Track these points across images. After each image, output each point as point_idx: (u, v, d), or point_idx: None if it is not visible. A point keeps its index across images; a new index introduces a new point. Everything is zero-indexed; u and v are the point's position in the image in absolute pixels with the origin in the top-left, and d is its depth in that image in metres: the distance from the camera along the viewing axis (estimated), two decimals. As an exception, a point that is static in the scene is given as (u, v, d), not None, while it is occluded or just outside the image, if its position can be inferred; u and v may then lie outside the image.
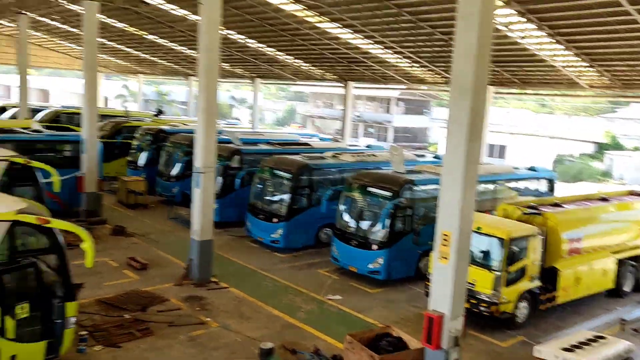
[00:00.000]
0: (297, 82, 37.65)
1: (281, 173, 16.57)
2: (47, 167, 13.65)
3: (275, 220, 16.17)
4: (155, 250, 15.51)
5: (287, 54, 29.36)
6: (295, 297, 12.78)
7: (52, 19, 31.86)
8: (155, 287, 12.60)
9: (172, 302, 11.83)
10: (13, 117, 29.17)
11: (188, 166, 17.75)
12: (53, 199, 14.36)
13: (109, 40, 34.82)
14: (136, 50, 38.01)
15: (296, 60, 30.34)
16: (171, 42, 32.18)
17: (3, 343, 7.75)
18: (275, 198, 16.68)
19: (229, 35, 26.28)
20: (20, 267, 8.24)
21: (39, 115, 28.76)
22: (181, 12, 24.53)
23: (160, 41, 32.54)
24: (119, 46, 37.12)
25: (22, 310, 7.88)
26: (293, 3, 20.06)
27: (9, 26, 36.05)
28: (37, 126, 20.28)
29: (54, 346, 8.31)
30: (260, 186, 17.12)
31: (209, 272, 13.32)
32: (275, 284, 13.60)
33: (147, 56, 39.18)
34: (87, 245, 8.40)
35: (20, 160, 13.25)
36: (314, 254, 16.12)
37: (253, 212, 16.91)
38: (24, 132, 18.19)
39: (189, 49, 32.13)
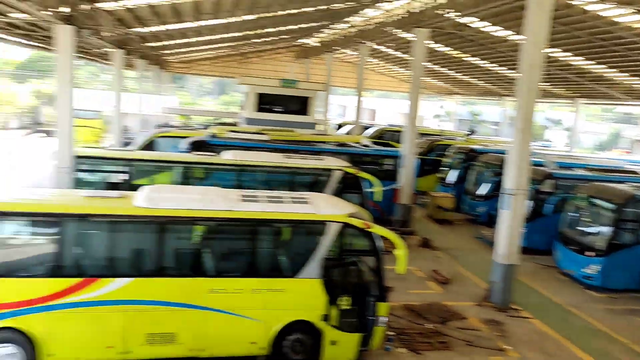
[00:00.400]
0: (628, 102, 33.38)
1: (602, 203, 14.96)
2: (372, 178, 15.44)
3: (591, 253, 14.66)
4: (457, 267, 15.83)
5: (618, 71, 26.37)
6: (608, 344, 11.37)
7: (387, 47, 35.72)
8: (455, 302, 12.85)
9: (470, 321, 11.90)
10: (347, 133, 33.76)
11: (496, 187, 17.65)
12: (374, 207, 16.02)
13: (432, 64, 37.09)
14: (455, 72, 39.48)
15: (629, 78, 26.97)
16: (489, 63, 32.37)
17: (327, 328, 9.08)
18: (593, 229, 15.13)
19: (549, 54, 25.03)
20: (346, 264, 9.52)
21: (368, 132, 32.62)
22: (502, 33, 24.45)
23: (479, 62, 33.05)
24: (440, 69, 39.15)
25: (345, 302, 9.07)
26: (635, 13, 17.93)
27: (351, 54, 42.03)
28: (365, 141, 22.89)
29: (366, 340, 9.28)
30: (575, 214, 15.79)
31: (510, 297, 12.94)
32: (585, 325, 12.34)
33: (464, 77, 40.29)
34: (401, 252, 9.19)
35: (352, 170, 15.32)
36: (637, 299, 14.05)
37: (564, 242, 15.69)
38: (354, 146, 20.79)
39: (508, 69, 31.78)
